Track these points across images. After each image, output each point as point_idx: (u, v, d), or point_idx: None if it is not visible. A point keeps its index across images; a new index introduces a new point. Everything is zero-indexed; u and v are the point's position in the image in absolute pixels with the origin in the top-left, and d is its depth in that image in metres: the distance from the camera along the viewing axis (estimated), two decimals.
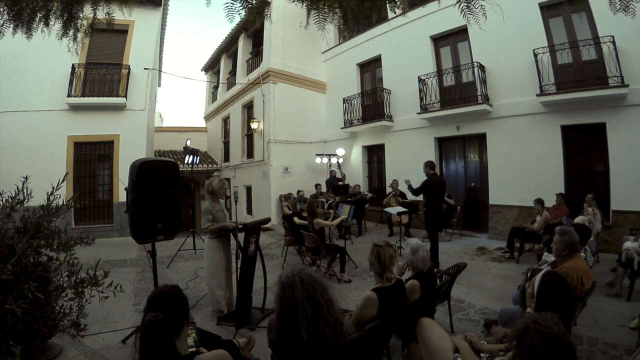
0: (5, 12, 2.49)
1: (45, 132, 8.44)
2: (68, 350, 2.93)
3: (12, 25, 2.58)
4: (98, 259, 2.68)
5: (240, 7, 2.25)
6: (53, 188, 2.63)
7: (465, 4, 2.00)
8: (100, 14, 2.73)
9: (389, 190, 8.78)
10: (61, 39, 2.78)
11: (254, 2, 2.31)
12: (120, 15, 2.91)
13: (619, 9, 2.02)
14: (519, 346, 1.32)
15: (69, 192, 8.04)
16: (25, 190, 2.51)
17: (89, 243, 2.69)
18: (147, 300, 1.42)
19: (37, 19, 2.58)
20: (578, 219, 4.41)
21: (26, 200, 2.52)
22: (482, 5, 2.02)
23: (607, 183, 6.24)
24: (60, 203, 2.67)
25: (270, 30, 10.75)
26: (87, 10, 2.72)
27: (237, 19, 2.31)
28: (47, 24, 2.64)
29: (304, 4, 2.48)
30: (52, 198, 2.63)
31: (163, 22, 11.61)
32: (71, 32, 2.74)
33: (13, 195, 2.50)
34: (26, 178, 2.50)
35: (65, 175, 2.80)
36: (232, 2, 2.19)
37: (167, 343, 1.33)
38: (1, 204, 2.50)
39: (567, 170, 6.71)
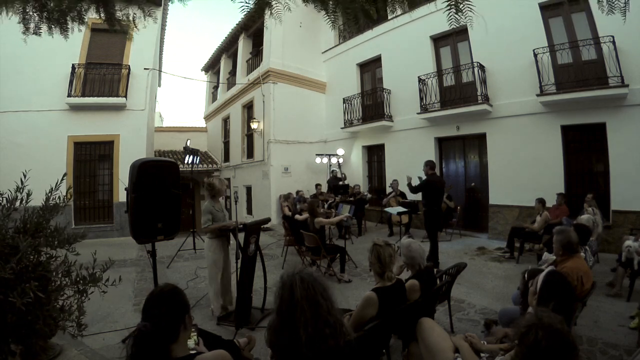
0: (35, 14, 2.52)
1: (45, 132, 8.44)
2: (68, 350, 2.93)
3: (45, 26, 2.61)
4: (94, 255, 2.66)
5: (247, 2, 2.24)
6: (52, 188, 2.63)
7: (454, 10, 1.97)
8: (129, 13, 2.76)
9: (389, 190, 8.78)
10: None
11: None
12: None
13: (607, 11, 2.02)
14: (521, 344, 1.31)
15: (69, 194, 8.03)
16: (24, 189, 2.50)
17: (81, 238, 2.69)
18: (145, 301, 1.40)
19: (69, 18, 2.59)
20: (582, 219, 4.32)
21: (26, 201, 2.51)
22: (470, 10, 1.99)
23: (607, 183, 6.24)
24: (59, 201, 2.67)
25: (270, 30, 10.73)
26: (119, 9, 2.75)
27: (250, 10, 2.27)
28: (82, 22, 2.66)
29: (315, 5, 2.45)
30: (50, 197, 2.62)
31: (163, 22, 11.61)
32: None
33: (13, 194, 2.50)
34: (25, 174, 2.49)
35: (64, 176, 2.79)
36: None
37: (160, 350, 1.30)
38: (1, 204, 2.49)
39: (567, 170, 6.71)
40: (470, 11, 1.94)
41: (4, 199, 2.50)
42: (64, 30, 2.65)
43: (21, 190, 2.50)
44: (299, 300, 1.35)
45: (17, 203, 2.50)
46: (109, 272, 2.72)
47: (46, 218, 2.57)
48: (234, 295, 3.72)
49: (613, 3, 2.00)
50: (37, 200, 2.62)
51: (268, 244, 7.64)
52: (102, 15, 2.65)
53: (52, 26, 2.61)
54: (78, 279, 2.59)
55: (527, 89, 6.90)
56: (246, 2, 2.20)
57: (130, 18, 2.79)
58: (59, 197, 2.68)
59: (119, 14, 2.73)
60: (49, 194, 2.61)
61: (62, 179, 2.69)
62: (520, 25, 6.98)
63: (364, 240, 7.59)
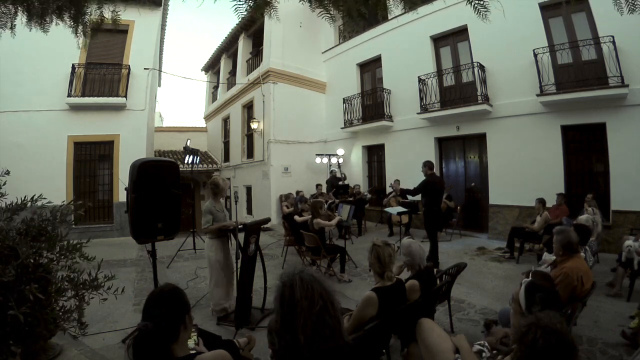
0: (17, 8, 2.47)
1: (45, 132, 8.42)
2: (68, 350, 2.93)
3: (25, 20, 2.54)
4: (100, 260, 2.66)
5: (244, 3, 2.22)
6: (63, 203, 2.64)
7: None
8: (107, 13, 2.70)
9: (389, 190, 8.78)
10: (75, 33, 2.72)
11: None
12: (125, 14, 2.88)
13: (627, 10, 1.99)
14: (520, 343, 1.31)
15: (69, 194, 8.04)
16: (32, 199, 2.51)
17: (84, 245, 2.69)
18: (145, 301, 1.41)
19: (50, 11, 2.53)
20: (581, 218, 4.31)
21: (31, 206, 2.51)
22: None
23: (607, 183, 6.24)
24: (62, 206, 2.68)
25: (270, 30, 10.75)
26: (93, 9, 2.69)
27: (243, 13, 2.24)
28: (61, 18, 2.60)
29: (308, 2, 2.45)
30: (59, 214, 2.63)
31: (163, 22, 11.60)
32: (79, 29, 2.70)
33: (19, 202, 2.50)
34: (40, 196, 2.51)
35: (72, 202, 2.81)
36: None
37: (162, 350, 1.31)
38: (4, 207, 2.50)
39: (567, 170, 6.70)
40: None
41: (6, 202, 2.50)
42: (41, 24, 2.56)
43: (29, 200, 2.50)
44: (299, 301, 1.35)
45: (20, 210, 2.50)
46: (110, 274, 2.73)
47: (52, 224, 2.57)
48: (234, 296, 3.72)
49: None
50: (38, 201, 2.63)
51: (268, 244, 7.64)
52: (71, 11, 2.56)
53: (32, 20, 2.53)
54: (79, 283, 2.59)
55: (527, 89, 6.89)
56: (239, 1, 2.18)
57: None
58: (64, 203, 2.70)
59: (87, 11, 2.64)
60: (60, 208, 2.61)
61: (73, 205, 2.70)
62: (520, 25, 6.97)
63: (364, 240, 7.59)
